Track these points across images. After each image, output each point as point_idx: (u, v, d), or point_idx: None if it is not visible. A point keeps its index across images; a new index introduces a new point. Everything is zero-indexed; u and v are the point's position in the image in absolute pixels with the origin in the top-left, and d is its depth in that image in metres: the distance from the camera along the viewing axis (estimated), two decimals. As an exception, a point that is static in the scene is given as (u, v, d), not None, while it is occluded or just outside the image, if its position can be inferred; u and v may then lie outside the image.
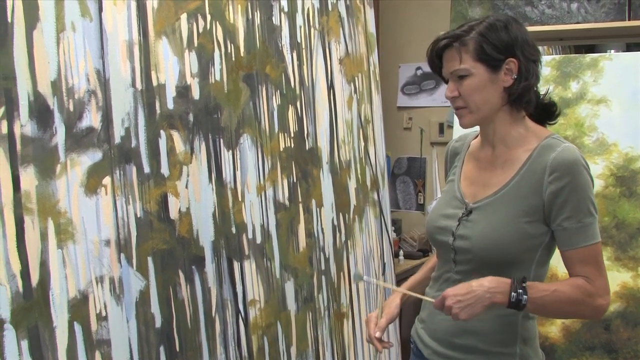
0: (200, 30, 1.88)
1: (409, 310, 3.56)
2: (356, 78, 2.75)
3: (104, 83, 1.57)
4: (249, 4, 2.08)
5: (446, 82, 1.60)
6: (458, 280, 1.59)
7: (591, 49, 4.26)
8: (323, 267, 2.42)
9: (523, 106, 1.57)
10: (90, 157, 1.53)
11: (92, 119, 1.53)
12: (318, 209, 2.41)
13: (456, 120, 1.65)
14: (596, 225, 1.50)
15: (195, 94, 1.85)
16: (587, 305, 1.48)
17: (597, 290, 1.48)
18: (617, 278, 2.84)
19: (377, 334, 1.64)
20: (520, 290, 1.41)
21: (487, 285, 1.42)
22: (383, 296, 1.74)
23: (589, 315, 1.56)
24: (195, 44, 1.86)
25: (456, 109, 1.58)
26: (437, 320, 1.65)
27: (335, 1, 2.60)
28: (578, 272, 1.49)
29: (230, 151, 1.97)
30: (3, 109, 1.34)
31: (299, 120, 2.32)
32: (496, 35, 1.51)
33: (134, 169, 1.64)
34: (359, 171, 2.73)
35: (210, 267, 1.87)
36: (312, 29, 2.42)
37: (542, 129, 1.61)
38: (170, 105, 1.76)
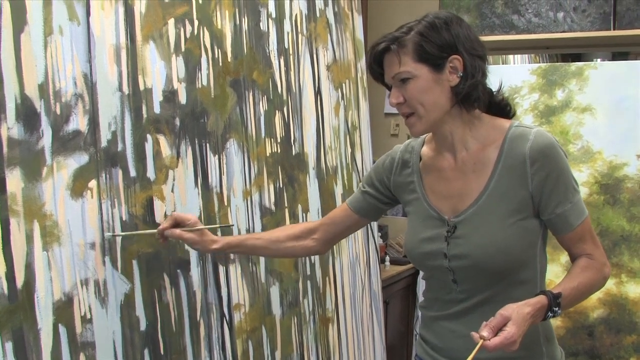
0: (188, 35, 1.89)
1: (394, 318, 3.58)
2: (343, 84, 2.77)
3: (91, 87, 1.58)
4: (237, 9, 2.10)
5: (389, 89, 1.52)
6: (463, 299, 1.53)
7: (578, 58, 4.31)
8: (308, 272, 2.43)
9: (474, 105, 1.49)
10: (76, 160, 1.53)
11: (79, 122, 1.54)
12: (304, 214, 2.42)
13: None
14: (581, 198, 1.50)
15: (182, 98, 1.86)
16: (600, 281, 1.50)
17: (601, 263, 1.49)
18: (601, 285, 2.86)
19: (168, 232, 1.66)
20: (556, 308, 1.38)
21: (527, 313, 1.33)
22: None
23: (601, 287, 1.54)
24: (183, 49, 1.87)
25: (404, 117, 1.50)
26: (449, 339, 1.58)
27: (323, 7, 2.61)
28: (579, 252, 1.50)
29: (217, 156, 1.98)
30: (-11, 111, 1.34)
31: (286, 126, 2.33)
32: (436, 34, 1.44)
33: (120, 173, 1.65)
34: (345, 177, 2.74)
35: (195, 271, 1.88)
36: (299, 35, 2.44)
37: (500, 120, 1.53)
38: (157, 109, 1.77)
